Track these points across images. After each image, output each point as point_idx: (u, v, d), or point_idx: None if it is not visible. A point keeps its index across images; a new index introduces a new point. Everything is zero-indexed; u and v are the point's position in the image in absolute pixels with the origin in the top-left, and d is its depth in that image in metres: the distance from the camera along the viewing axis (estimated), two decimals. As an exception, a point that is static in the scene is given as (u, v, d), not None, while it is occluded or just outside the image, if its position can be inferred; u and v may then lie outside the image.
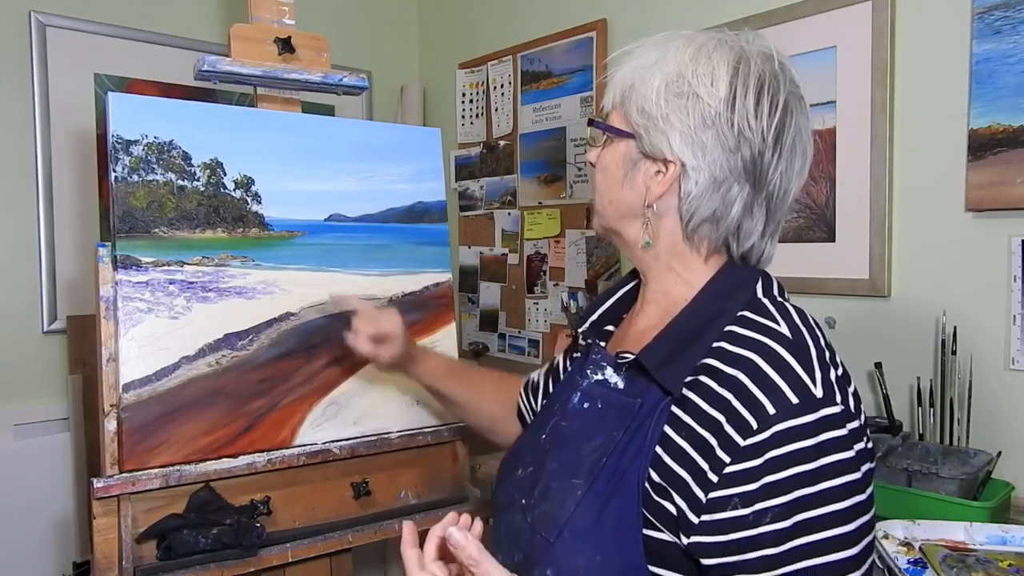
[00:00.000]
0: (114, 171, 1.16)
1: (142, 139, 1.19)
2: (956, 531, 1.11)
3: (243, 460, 1.18)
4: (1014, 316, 1.34)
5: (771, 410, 0.66)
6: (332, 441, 1.27)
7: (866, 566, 0.67)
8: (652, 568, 0.70)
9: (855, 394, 0.71)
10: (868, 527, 0.67)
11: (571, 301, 2.17)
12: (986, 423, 1.38)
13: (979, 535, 1.11)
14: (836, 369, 0.71)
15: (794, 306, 0.76)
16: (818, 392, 0.66)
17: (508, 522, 0.85)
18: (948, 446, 1.36)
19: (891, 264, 1.51)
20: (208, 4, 2.34)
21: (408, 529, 0.73)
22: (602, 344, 0.88)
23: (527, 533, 0.79)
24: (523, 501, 0.83)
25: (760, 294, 0.77)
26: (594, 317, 0.91)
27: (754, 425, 0.66)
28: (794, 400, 0.66)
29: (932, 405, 1.40)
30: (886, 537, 1.11)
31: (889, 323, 1.53)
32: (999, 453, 1.31)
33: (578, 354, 0.98)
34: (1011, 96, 1.32)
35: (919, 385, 1.44)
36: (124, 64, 2.16)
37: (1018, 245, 1.33)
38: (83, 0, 2.10)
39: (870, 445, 0.70)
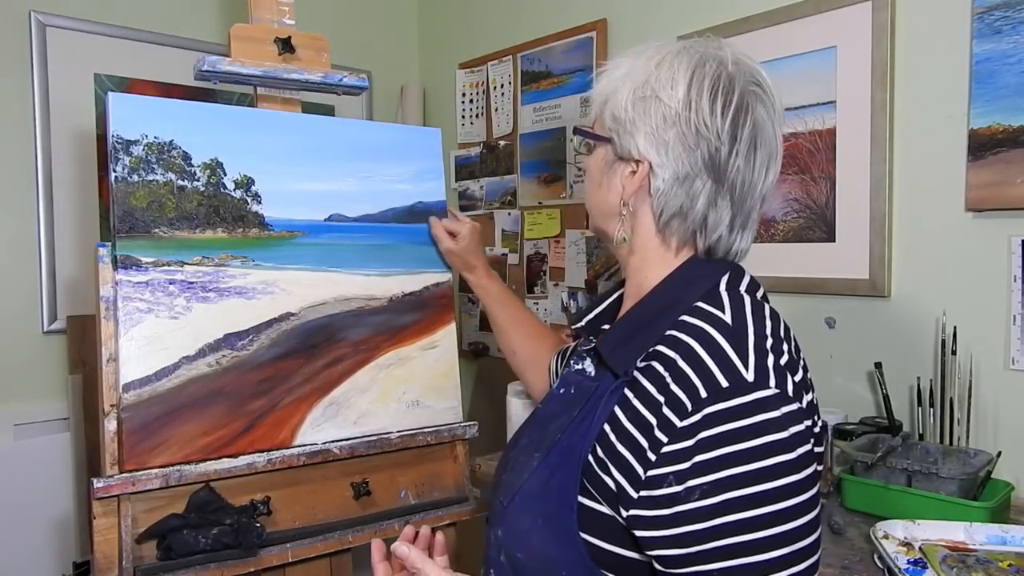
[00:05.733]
0: (114, 171, 1.16)
1: (142, 139, 1.19)
2: (956, 531, 1.11)
3: (243, 460, 1.18)
4: (1014, 316, 1.34)
5: (703, 393, 0.70)
6: (332, 441, 1.27)
7: (801, 544, 0.68)
8: (584, 535, 0.75)
9: (800, 382, 0.73)
10: (803, 507, 0.69)
11: (571, 301, 2.17)
12: (986, 423, 1.38)
13: (979, 535, 1.11)
14: (780, 357, 0.73)
15: (754, 300, 0.79)
16: (749, 376, 0.70)
17: (495, 499, 0.92)
18: (948, 446, 1.36)
19: (891, 264, 1.52)
20: (208, 4, 2.34)
21: (375, 546, 0.87)
22: (592, 339, 0.92)
23: (498, 505, 0.87)
24: (504, 477, 0.90)
25: (722, 287, 0.80)
26: (590, 316, 0.96)
27: (689, 407, 0.70)
28: (724, 383, 0.69)
29: (932, 405, 1.40)
30: (886, 537, 1.11)
31: (889, 323, 1.53)
32: (999, 453, 1.31)
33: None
34: (1011, 96, 1.33)
35: (919, 385, 1.44)
36: (124, 64, 2.16)
37: (1018, 245, 1.33)
38: (83, 0, 2.10)
39: (815, 429, 0.73)
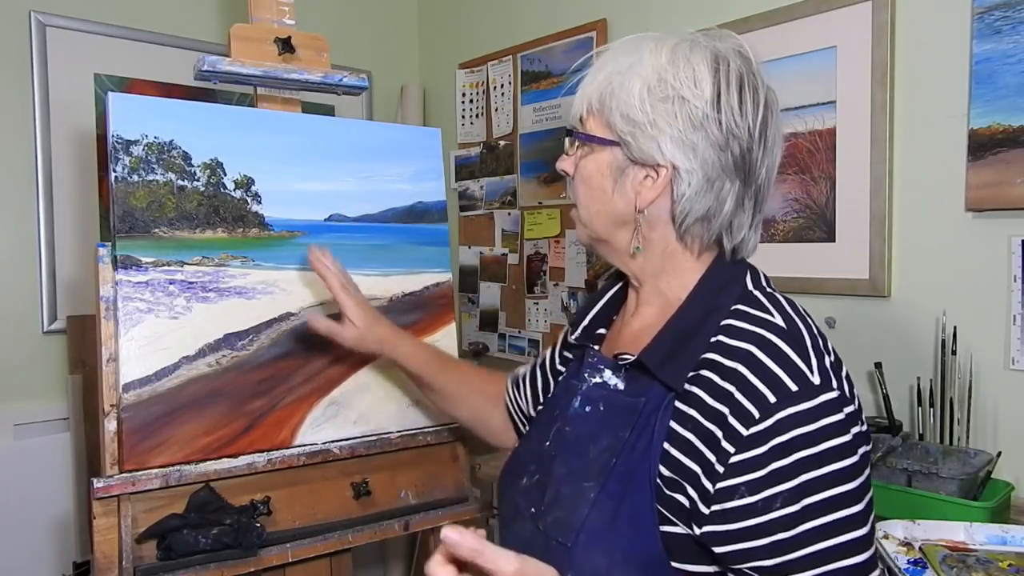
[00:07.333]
0: (114, 171, 1.16)
1: (142, 139, 1.19)
2: (956, 531, 1.11)
3: (243, 460, 1.18)
4: (1014, 316, 1.34)
5: (772, 399, 0.68)
6: (332, 441, 1.27)
7: (874, 548, 0.69)
8: (677, 566, 0.71)
9: (847, 378, 0.73)
10: (871, 508, 0.69)
11: (571, 301, 2.17)
12: (986, 423, 1.38)
13: (979, 535, 1.11)
14: (829, 356, 0.73)
15: (784, 296, 0.78)
16: (816, 379, 0.69)
17: (517, 532, 0.85)
18: (948, 446, 1.36)
19: (891, 264, 1.51)
20: (208, 4, 2.34)
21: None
22: (596, 348, 0.89)
23: (541, 541, 0.79)
24: (532, 510, 0.83)
25: (751, 287, 0.79)
26: (585, 322, 0.92)
27: (756, 414, 0.68)
28: (793, 388, 0.68)
29: (932, 405, 1.40)
30: (886, 537, 1.11)
31: (889, 323, 1.53)
32: (999, 453, 1.31)
33: (570, 355, 0.99)
34: (1011, 96, 1.32)
35: (919, 385, 1.44)
36: (124, 64, 2.16)
37: (1018, 245, 1.33)
38: (83, 0, 2.10)
39: (865, 428, 0.72)
